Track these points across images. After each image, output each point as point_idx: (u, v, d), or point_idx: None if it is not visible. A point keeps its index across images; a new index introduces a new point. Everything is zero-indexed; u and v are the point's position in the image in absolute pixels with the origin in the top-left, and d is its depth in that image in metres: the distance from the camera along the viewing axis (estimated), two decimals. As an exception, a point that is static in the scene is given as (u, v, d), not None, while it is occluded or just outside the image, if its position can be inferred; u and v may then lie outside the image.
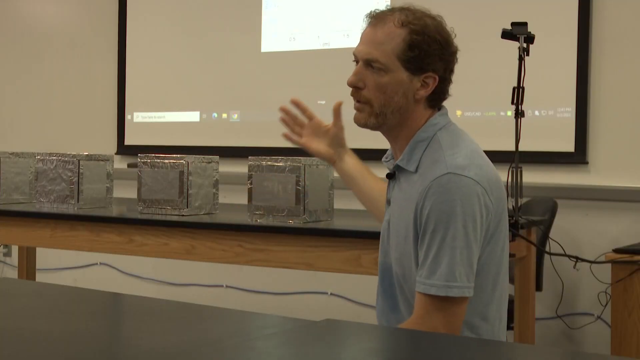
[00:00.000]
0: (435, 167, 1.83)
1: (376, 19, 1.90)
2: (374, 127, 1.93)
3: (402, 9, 1.89)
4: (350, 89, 1.94)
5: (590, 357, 1.69)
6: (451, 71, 1.94)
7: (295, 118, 2.21)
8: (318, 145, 2.18)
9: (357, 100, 1.92)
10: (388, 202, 1.99)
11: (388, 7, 1.96)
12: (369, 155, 4.79)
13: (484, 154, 1.90)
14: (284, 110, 2.21)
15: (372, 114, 1.90)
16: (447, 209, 1.77)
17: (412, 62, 1.86)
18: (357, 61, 1.93)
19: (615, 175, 3.92)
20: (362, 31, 1.93)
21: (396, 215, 1.93)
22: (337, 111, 2.16)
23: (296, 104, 2.20)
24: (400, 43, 1.86)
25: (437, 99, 1.93)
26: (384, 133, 1.97)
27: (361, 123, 1.93)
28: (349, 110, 2.01)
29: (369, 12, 1.94)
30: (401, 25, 1.86)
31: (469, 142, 1.91)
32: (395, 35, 1.86)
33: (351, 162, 2.21)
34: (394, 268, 1.93)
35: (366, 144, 4.37)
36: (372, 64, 1.88)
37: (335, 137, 2.18)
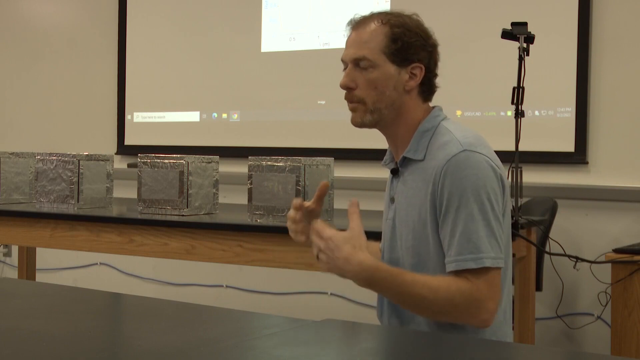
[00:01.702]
0: (447, 148, 1.88)
1: (358, 23, 1.99)
2: (370, 125, 1.97)
3: (381, 12, 1.99)
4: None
5: (590, 357, 1.69)
6: (435, 63, 2.00)
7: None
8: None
9: (351, 101, 1.97)
10: (392, 200, 2.01)
11: (373, 11, 2.03)
12: (368, 156, 4.76)
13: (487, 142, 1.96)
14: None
15: (366, 111, 1.95)
16: (469, 184, 1.83)
17: (397, 54, 1.94)
18: (346, 66, 1.99)
19: (615, 175, 3.92)
20: (347, 39, 2.00)
21: (404, 207, 1.96)
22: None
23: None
24: (384, 39, 1.94)
25: (427, 90, 2.00)
26: (382, 130, 2.01)
27: (358, 122, 1.97)
28: (347, 110, 2.01)
29: (349, 20, 2.02)
30: (382, 24, 1.96)
31: (472, 129, 1.97)
32: (378, 32, 1.95)
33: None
34: (404, 260, 1.95)
35: (365, 144, 4.38)
36: (360, 62, 1.94)
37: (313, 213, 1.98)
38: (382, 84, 1.94)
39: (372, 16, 1.98)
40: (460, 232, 1.82)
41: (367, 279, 1.82)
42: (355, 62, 1.95)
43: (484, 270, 1.81)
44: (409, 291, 1.80)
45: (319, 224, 1.84)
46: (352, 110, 1.97)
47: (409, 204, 1.94)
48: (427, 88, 1.99)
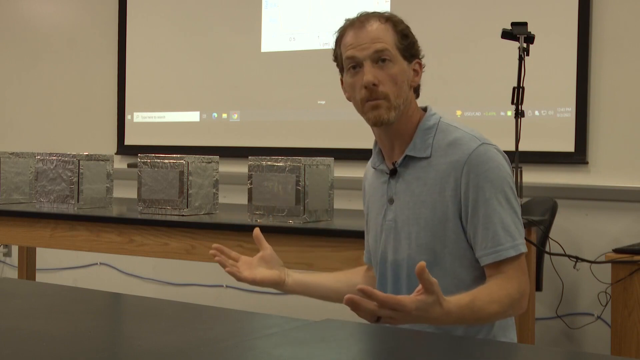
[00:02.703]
0: (462, 143, 1.90)
1: (359, 21, 1.96)
2: (392, 122, 1.93)
3: (374, 12, 1.97)
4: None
5: (590, 357, 1.69)
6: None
7: (229, 255, 2.04)
8: (262, 273, 2.02)
9: (375, 98, 1.91)
10: (390, 200, 2.00)
11: (376, 11, 2.01)
12: (368, 156, 4.78)
13: None
14: (217, 250, 2.03)
15: (390, 107, 1.92)
16: (494, 176, 1.87)
17: (407, 50, 1.95)
18: (355, 66, 1.94)
19: (615, 175, 3.92)
20: (347, 39, 1.95)
21: (409, 207, 1.95)
22: (258, 237, 2.07)
23: (220, 250, 2.03)
24: (394, 34, 1.94)
25: (418, 88, 2.02)
26: (387, 129, 1.97)
27: (384, 119, 1.92)
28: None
29: (346, 20, 1.98)
30: (385, 21, 1.95)
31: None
32: (387, 28, 1.94)
33: (298, 274, 2.10)
34: (415, 258, 1.92)
35: (365, 144, 4.37)
36: (382, 56, 1.91)
37: (271, 258, 2.05)
38: (400, 79, 1.92)
39: (369, 15, 1.96)
40: (495, 223, 1.86)
41: (451, 322, 1.79)
42: (374, 58, 1.91)
43: (517, 257, 1.88)
44: (482, 316, 1.81)
45: (387, 298, 1.63)
46: (376, 107, 1.91)
47: (417, 202, 1.94)
48: (418, 85, 2.01)
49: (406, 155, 1.96)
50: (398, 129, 1.97)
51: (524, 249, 1.89)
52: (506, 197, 1.88)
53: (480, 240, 1.87)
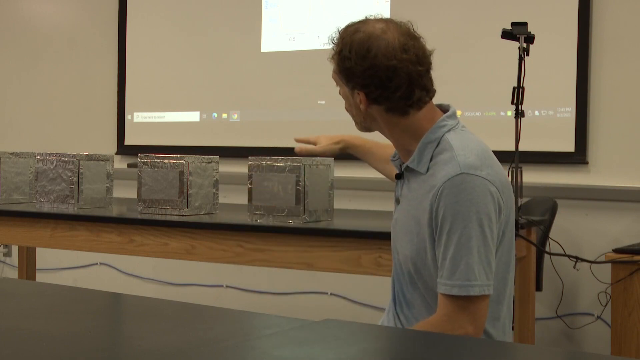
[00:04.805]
0: (446, 167, 1.85)
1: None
2: (367, 132, 2.08)
3: (339, 31, 1.99)
4: None
5: (590, 357, 1.69)
6: (381, 84, 1.91)
7: (307, 141, 2.69)
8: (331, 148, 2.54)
9: None
10: (397, 201, 2.02)
11: (376, 16, 2.01)
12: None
13: (493, 155, 1.92)
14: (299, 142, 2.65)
15: (355, 122, 2.07)
16: (462, 208, 1.80)
17: (343, 78, 1.97)
18: None
19: (615, 175, 3.92)
20: None
21: (405, 214, 1.96)
22: (303, 143, 2.67)
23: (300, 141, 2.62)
24: (335, 63, 1.99)
25: (399, 107, 1.93)
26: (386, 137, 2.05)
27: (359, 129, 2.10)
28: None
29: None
30: (334, 45, 1.98)
31: (479, 142, 1.93)
32: (334, 55, 1.99)
33: (360, 140, 2.55)
34: (404, 266, 1.96)
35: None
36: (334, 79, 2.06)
37: (329, 144, 2.58)
38: (346, 101, 2.02)
39: (334, 37, 1.98)
40: (450, 256, 1.81)
41: None
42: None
43: (470, 298, 1.81)
44: None
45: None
46: None
47: (410, 212, 1.94)
48: (397, 104, 1.93)
49: (407, 166, 1.97)
50: (395, 142, 1.99)
51: (475, 292, 1.80)
52: (472, 233, 1.79)
53: (439, 268, 1.85)
